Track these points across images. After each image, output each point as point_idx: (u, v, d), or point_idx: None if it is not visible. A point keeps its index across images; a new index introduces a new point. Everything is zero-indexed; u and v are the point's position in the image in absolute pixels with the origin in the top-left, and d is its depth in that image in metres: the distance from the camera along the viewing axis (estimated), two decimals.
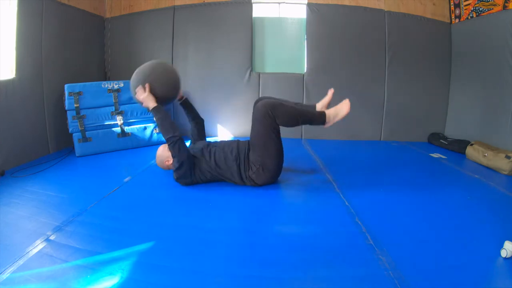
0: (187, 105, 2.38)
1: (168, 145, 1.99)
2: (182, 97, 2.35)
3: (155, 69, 2.05)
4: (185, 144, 2.01)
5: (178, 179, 2.07)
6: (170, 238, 1.48)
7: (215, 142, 2.18)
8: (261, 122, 1.96)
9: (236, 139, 2.13)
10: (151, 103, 1.98)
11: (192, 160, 2.03)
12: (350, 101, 2.01)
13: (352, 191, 2.04)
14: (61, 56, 2.98)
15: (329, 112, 2.02)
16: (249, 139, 2.15)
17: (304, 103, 2.34)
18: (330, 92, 2.17)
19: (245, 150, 2.06)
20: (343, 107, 2.00)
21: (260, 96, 3.62)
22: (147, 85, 1.97)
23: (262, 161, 2.00)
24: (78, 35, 3.23)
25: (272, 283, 1.18)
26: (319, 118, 2.01)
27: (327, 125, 2.04)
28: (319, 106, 2.19)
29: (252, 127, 2.04)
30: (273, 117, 1.93)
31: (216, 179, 2.10)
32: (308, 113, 2.04)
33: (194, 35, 3.61)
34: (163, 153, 2.16)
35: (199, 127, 2.40)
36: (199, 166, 2.04)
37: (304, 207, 1.87)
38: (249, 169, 2.03)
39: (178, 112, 3.71)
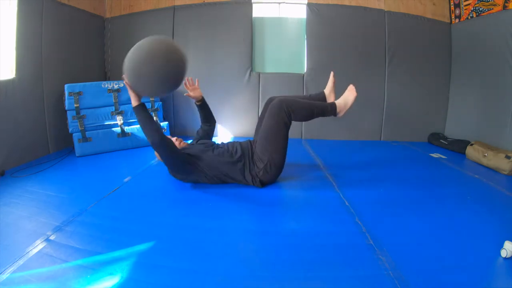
0: (204, 107, 2.31)
1: (154, 149, 1.90)
2: (202, 99, 2.27)
3: (151, 60, 1.64)
4: (171, 143, 1.89)
5: (175, 176, 2.07)
6: (170, 238, 1.48)
7: (218, 144, 2.17)
8: (276, 117, 2.01)
9: (236, 139, 2.13)
10: (133, 100, 1.79)
11: (183, 157, 1.96)
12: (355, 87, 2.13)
13: (352, 191, 2.05)
14: (61, 56, 2.98)
15: (339, 102, 2.11)
16: (249, 139, 2.17)
17: (311, 93, 2.43)
18: (331, 75, 2.29)
19: (248, 149, 2.07)
20: (350, 94, 2.11)
21: (259, 94, 3.62)
22: (125, 82, 1.72)
23: (270, 156, 2.01)
24: (78, 35, 3.23)
25: (272, 283, 1.18)
26: (331, 110, 2.10)
27: (340, 115, 2.13)
28: (327, 91, 2.30)
29: (264, 123, 2.07)
30: (289, 112, 2.00)
31: (218, 180, 2.08)
32: (321, 106, 2.10)
33: (194, 35, 3.61)
34: None
35: (210, 128, 2.38)
36: (202, 166, 2.01)
37: (304, 207, 1.86)
38: (254, 167, 2.04)
39: (178, 111, 3.71)
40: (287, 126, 2.05)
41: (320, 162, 2.69)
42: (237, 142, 2.14)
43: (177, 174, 2.06)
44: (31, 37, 2.61)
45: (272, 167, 2.04)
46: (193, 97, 2.24)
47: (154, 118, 3.19)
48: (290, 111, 2.00)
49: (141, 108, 1.81)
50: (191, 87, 2.22)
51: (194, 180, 2.08)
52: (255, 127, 2.36)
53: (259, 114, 3.61)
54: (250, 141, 2.17)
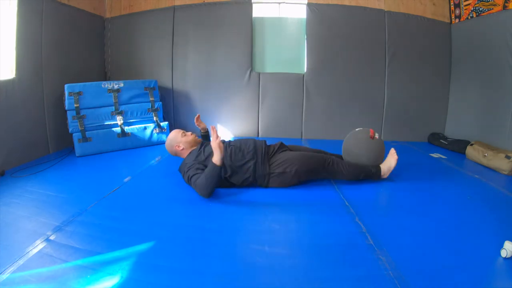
0: (205, 137, 2.51)
1: (193, 185, 1.89)
2: (206, 130, 2.50)
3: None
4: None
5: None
6: (170, 238, 1.48)
7: (231, 141, 2.17)
8: (319, 172, 2.14)
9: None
10: (218, 159, 1.81)
11: None
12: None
13: (352, 191, 2.05)
14: (61, 56, 2.98)
15: (383, 168, 2.22)
16: (263, 139, 2.21)
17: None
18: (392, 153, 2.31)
19: (262, 149, 2.07)
20: (392, 158, 2.23)
21: (259, 94, 3.63)
22: (218, 140, 1.82)
23: (290, 173, 2.04)
24: (78, 35, 3.23)
25: (272, 283, 1.18)
26: (376, 174, 2.21)
27: (385, 177, 2.23)
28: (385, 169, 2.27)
29: (311, 156, 2.14)
30: (335, 175, 2.17)
31: (225, 184, 2.05)
32: (366, 171, 2.19)
33: (194, 35, 3.61)
34: (176, 138, 2.18)
35: None
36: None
37: (304, 207, 1.86)
38: (268, 168, 2.03)
39: (178, 111, 3.71)
40: (322, 176, 2.19)
41: None
42: (251, 140, 2.14)
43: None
44: (31, 37, 2.61)
45: (289, 177, 2.06)
46: (199, 127, 2.51)
47: (154, 118, 3.19)
48: (337, 169, 2.12)
49: (220, 169, 1.85)
50: (197, 122, 2.47)
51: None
52: (297, 146, 2.41)
53: (259, 115, 3.65)
54: (265, 141, 2.16)
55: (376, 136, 2.27)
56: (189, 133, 2.24)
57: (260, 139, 2.21)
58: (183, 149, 2.16)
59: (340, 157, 2.38)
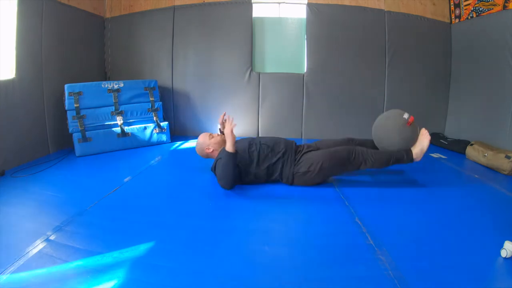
0: None
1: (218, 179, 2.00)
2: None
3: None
4: (236, 177, 2.00)
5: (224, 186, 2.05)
6: (170, 238, 1.48)
7: (261, 138, 2.21)
8: (348, 157, 2.07)
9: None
10: (230, 145, 1.93)
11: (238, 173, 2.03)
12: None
13: (352, 190, 2.05)
14: (61, 56, 2.98)
15: (415, 151, 2.11)
16: (292, 139, 2.24)
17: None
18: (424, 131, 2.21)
19: (292, 148, 2.12)
20: (424, 139, 2.11)
21: (259, 94, 3.62)
22: (231, 126, 1.98)
23: (314, 170, 2.05)
24: (78, 35, 3.23)
25: (272, 283, 1.18)
26: (407, 158, 2.11)
27: (417, 160, 2.14)
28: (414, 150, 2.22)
29: (338, 149, 2.11)
30: (363, 161, 2.07)
31: (254, 180, 2.10)
32: (397, 155, 2.11)
33: (194, 35, 3.61)
34: (205, 141, 2.21)
35: None
36: (244, 167, 2.05)
37: (304, 207, 1.87)
38: (295, 167, 2.07)
39: (178, 111, 3.71)
40: (348, 170, 2.12)
41: None
42: (281, 139, 2.18)
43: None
44: (31, 37, 2.61)
45: (313, 175, 2.07)
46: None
47: (154, 118, 3.19)
48: (362, 160, 2.06)
49: (234, 155, 1.94)
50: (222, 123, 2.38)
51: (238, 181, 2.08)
52: (323, 139, 2.37)
53: (259, 115, 3.66)
54: (294, 142, 2.20)
55: (412, 119, 2.08)
56: (216, 134, 2.28)
57: (290, 140, 2.24)
58: (213, 150, 2.20)
59: (370, 141, 2.32)
